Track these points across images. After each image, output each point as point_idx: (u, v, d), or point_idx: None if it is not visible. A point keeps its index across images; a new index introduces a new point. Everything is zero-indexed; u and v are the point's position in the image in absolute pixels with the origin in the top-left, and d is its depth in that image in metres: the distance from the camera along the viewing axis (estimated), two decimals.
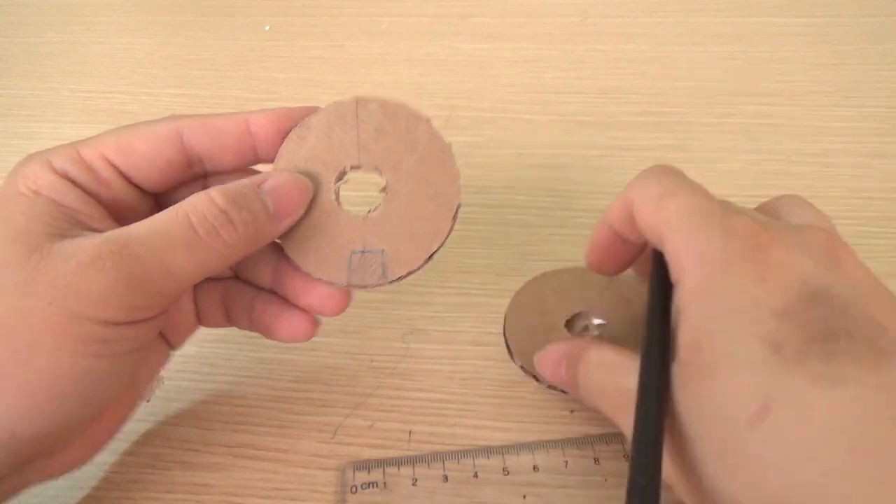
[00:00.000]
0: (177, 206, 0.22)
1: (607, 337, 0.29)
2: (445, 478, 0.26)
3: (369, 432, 0.28)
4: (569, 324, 0.30)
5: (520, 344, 0.29)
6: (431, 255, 0.24)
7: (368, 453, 0.27)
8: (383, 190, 0.24)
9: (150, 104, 0.45)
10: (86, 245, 0.21)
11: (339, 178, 0.25)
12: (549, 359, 0.26)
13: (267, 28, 0.51)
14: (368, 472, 0.26)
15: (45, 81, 0.48)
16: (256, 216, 0.23)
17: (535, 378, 0.28)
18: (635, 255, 0.27)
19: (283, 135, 0.25)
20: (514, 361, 0.29)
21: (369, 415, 0.28)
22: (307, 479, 0.26)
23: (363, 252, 0.24)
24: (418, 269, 0.24)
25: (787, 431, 0.17)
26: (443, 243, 0.24)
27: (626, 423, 0.21)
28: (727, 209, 0.22)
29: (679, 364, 0.21)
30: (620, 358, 0.23)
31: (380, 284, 0.24)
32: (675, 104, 0.42)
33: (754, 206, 0.35)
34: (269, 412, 0.28)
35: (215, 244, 0.22)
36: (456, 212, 0.24)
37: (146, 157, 0.24)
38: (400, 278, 0.24)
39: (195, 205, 0.22)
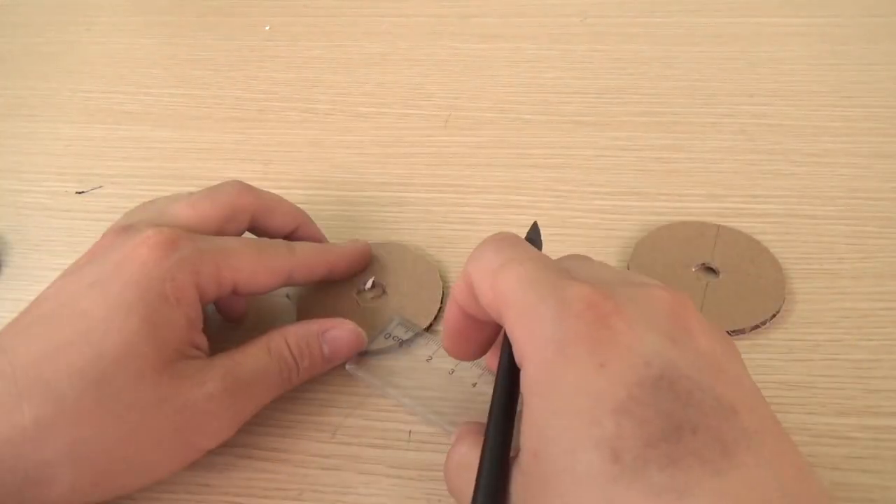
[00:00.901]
0: (266, 348, 0.26)
1: (393, 286, 0.32)
2: None
3: (369, 432, 0.28)
4: (358, 295, 0.32)
5: (306, 312, 0.31)
6: (422, 329, 0.30)
7: (368, 453, 0.27)
8: (374, 288, 0.32)
9: (150, 104, 0.45)
10: (211, 375, 0.24)
11: (360, 288, 0.32)
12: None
13: (267, 28, 0.51)
14: None
15: (45, 81, 0.48)
16: (314, 361, 0.27)
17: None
18: (493, 336, 0.25)
19: (351, 269, 0.32)
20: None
21: (369, 415, 0.28)
22: (307, 479, 0.26)
23: (389, 322, 0.30)
24: (413, 338, 0.30)
25: None
26: (430, 324, 0.30)
27: None
28: (563, 277, 0.20)
29: (521, 474, 0.19)
30: (470, 454, 0.21)
31: (405, 343, 0.29)
32: (675, 104, 0.42)
33: (753, 208, 0.36)
34: (268, 412, 0.28)
35: (286, 385, 0.27)
36: (441, 305, 0.31)
37: (260, 287, 0.27)
38: (408, 340, 0.30)
39: (281, 352, 0.26)
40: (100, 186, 0.39)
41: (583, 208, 0.36)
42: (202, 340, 0.25)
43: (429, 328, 0.30)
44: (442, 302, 0.31)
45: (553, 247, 0.34)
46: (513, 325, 0.20)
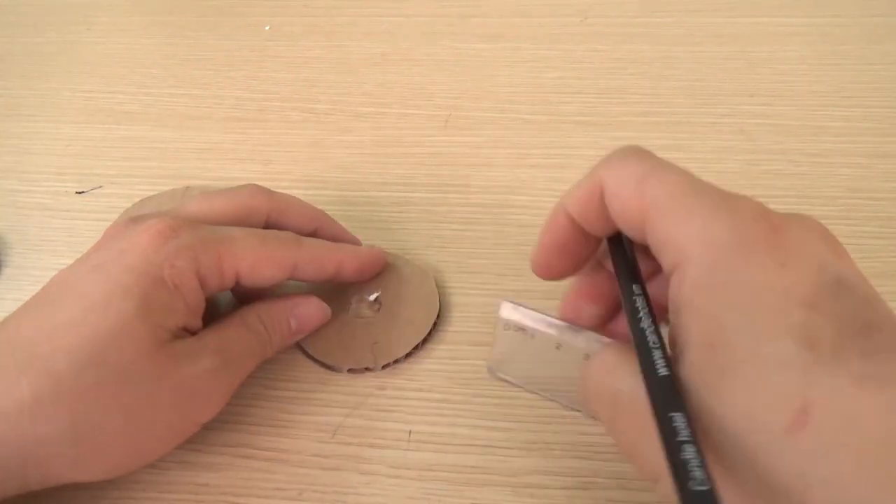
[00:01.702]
0: (243, 322, 0.27)
1: (388, 306, 0.31)
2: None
3: (369, 432, 0.28)
4: (353, 311, 0.31)
5: (316, 344, 0.30)
6: (413, 350, 0.30)
7: (368, 453, 0.27)
8: (377, 303, 0.31)
9: (149, 104, 0.45)
10: (204, 352, 0.25)
11: (363, 298, 0.32)
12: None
13: (267, 28, 0.51)
14: None
15: (45, 81, 0.48)
16: (283, 335, 0.29)
17: (331, 368, 0.30)
18: (590, 254, 0.24)
19: (362, 273, 0.31)
20: (305, 349, 0.30)
21: (369, 414, 0.28)
22: (307, 479, 0.26)
23: (374, 344, 0.30)
24: (402, 359, 0.30)
25: (833, 441, 0.15)
26: (423, 341, 0.30)
27: (620, 429, 0.20)
28: (724, 190, 0.20)
29: (690, 368, 0.18)
30: (618, 357, 0.20)
31: (371, 369, 0.29)
32: (675, 104, 0.42)
33: None
34: (268, 412, 0.28)
35: (265, 353, 0.28)
36: (432, 328, 0.31)
37: (264, 278, 0.27)
38: (387, 366, 0.30)
39: (255, 324, 0.27)
40: (100, 186, 0.39)
41: None
42: (197, 325, 0.26)
43: (407, 356, 0.30)
44: (428, 334, 0.30)
45: None
46: (670, 229, 0.19)
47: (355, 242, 0.33)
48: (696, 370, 0.17)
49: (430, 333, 0.30)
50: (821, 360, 0.16)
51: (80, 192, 0.39)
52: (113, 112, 0.45)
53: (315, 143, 0.41)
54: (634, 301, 0.21)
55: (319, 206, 0.37)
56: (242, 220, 0.28)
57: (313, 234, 0.31)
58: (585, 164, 0.38)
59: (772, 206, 0.19)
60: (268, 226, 0.29)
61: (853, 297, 0.17)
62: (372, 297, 0.31)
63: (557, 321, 0.25)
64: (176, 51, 0.50)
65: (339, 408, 0.28)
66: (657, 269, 0.21)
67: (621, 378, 0.20)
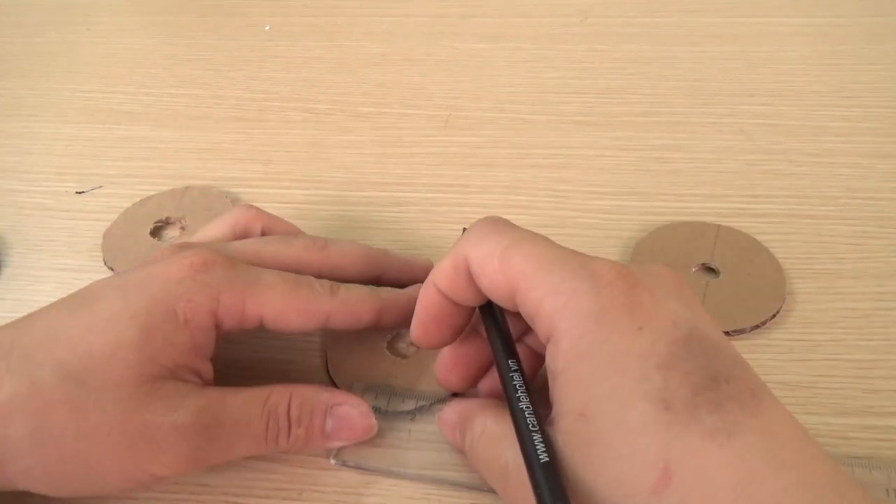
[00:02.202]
0: (263, 398, 0.24)
1: (425, 351, 0.29)
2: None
3: None
4: (390, 345, 0.29)
5: (342, 370, 0.29)
6: (430, 404, 0.28)
7: (368, 453, 0.27)
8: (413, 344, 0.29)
9: (149, 104, 0.45)
10: (187, 404, 0.23)
11: (394, 337, 0.30)
12: (446, 422, 0.25)
13: (267, 28, 0.51)
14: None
15: (45, 81, 0.48)
16: (311, 433, 0.25)
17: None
18: (465, 322, 0.25)
19: (404, 319, 0.28)
20: (329, 368, 0.29)
21: None
22: (307, 479, 0.26)
23: (385, 386, 0.28)
24: (441, 402, 0.28)
25: (692, 496, 0.17)
26: (444, 400, 0.28)
27: (511, 496, 0.21)
28: (577, 253, 0.21)
29: (563, 435, 0.19)
30: (501, 427, 0.22)
31: (381, 411, 0.27)
32: (675, 104, 0.42)
33: (753, 208, 0.36)
34: None
35: (271, 446, 0.24)
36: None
37: (292, 327, 0.26)
38: (398, 413, 0.27)
39: (277, 408, 0.24)
40: (100, 186, 0.39)
41: (583, 208, 0.36)
42: (205, 368, 0.25)
43: (419, 408, 0.27)
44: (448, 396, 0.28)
45: None
46: (539, 301, 0.20)
47: (426, 269, 0.31)
48: (569, 438, 0.19)
49: (442, 401, 0.28)
50: (677, 420, 0.17)
51: (80, 192, 0.39)
52: (113, 112, 0.45)
53: (315, 143, 0.41)
54: (512, 378, 0.22)
55: (319, 207, 0.37)
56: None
57: (376, 281, 0.29)
58: (585, 163, 0.39)
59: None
60: (320, 275, 0.28)
61: (703, 351, 0.18)
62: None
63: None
64: (176, 51, 0.50)
65: None
66: (529, 329, 0.24)
67: (507, 449, 0.21)
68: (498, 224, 0.23)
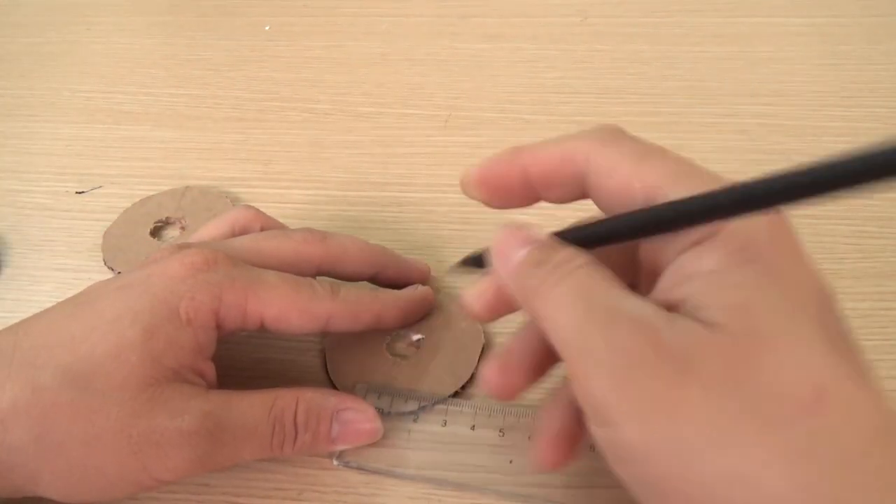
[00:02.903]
0: (269, 404, 0.24)
1: (428, 349, 0.29)
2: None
3: None
4: (389, 346, 0.30)
5: (342, 372, 0.29)
6: (430, 405, 0.28)
7: (370, 453, 0.27)
8: (417, 343, 0.30)
9: (149, 104, 0.45)
10: (192, 409, 0.23)
11: (393, 338, 0.30)
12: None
13: (267, 28, 0.51)
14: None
15: (45, 81, 0.48)
16: (317, 438, 0.25)
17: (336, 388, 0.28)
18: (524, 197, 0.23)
19: (405, 321, 0.29)
20: (328, 370, 0.29)
21: None
22: (307, 479, 0.26)
23: (385, 387, 0.28)
24: (442, 403, 0.28)
25: (840, 426, 0.16)
26: (460, 389, 0.28)
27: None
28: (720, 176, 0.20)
29: (713, 329, 0.17)
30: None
31: (382, 412, 0.27)
32: (675, 104, 0.42)
33: None
34: None
35: (276, 452, 0.24)
36: (471, 377, 0.28)
37: (293, 328, 0.26)
38: (399, 414, 0.27)
39: (283, 414, 0.24)
40: (100, 186, 0.39)
41: (583, 208, 0.36)
42: (208, 369, 0.25)
43: (421, 409, 0.28)
44: (469, 381, 0.28)
45: None
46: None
47: (423, 273, 0.31)
48: (728, 331, 0.17)
49: (441, 402, 0.28)
50: (835, 351, 0.17)
51: (80, 192, 0.39)
52: (113, 112, 0.45)
53: (315, 143, 0.41)
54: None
55: (319, 207, 0.37)
56: (291, 267, 0.27)
57: (373, 278, 0.30)
58: None
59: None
60: (319, 273, 0.28)
61: (839, 307, 0.19)
62: (414, 338, 0.30)
63: None
64: (176, 51, 0.50)
65: None
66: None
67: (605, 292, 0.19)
68: (625, 132, 0.21)
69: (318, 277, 0.28)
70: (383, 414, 0.27)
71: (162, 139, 0.42)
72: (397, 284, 0.30)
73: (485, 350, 0.30)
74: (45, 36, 0.52)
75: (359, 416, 0.26)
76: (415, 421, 0.27)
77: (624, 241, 0.20)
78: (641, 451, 0.17)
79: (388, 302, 0.28)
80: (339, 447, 0.26)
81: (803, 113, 0.41)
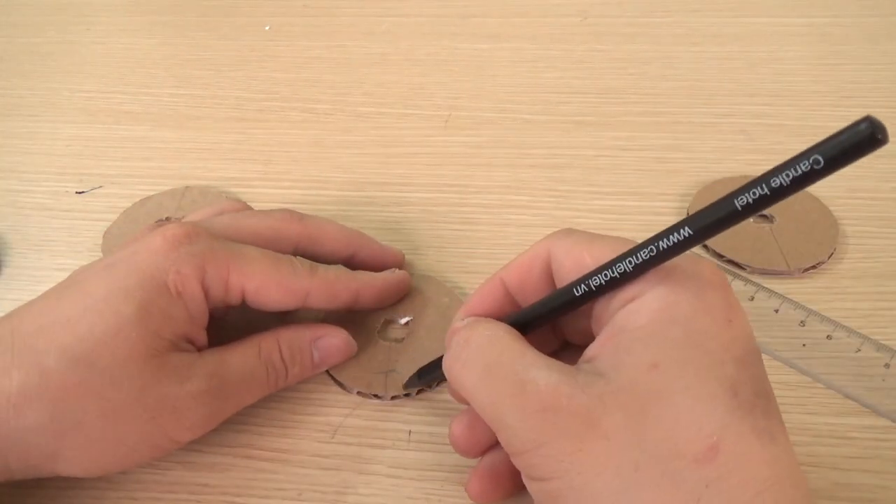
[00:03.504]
0: (256, 349, 0.26)
1: (418, 330, 0.30)
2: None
3: (369, 432, 0.28)
4: (380, 333, 0.30)
5: (341, 364, 0.29)
6: (440, 380, 0.29)
7: (368, 453, 0.27)
8: (407, 325, 0.30)
9: (149, 104, 0.45)
10: (197, 372, 0.24)
11: (383, 326, 0.31)
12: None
13: (267, 28, 0.51)
14: None
15: (45, 81, 0.48)
16: (304, 367, 0.28)
17: (343, 387, 0.29)
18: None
19: (380, 302, 0.30)
20: (329, 373, 0.29)
21: (369, 415, 0.28)
22: (307, 479, 0.26)
23: (389, 372, 0.29)
24: (427, 388, 0.29)
25: (729, 477, 0.17)
26: (438, 382, 0.29)
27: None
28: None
29: (624, 383, 0.19)
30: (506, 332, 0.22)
31: (397, 396, 0.28)
32: (675, 104, 0.42)
33: None
34: (269, 412, 0.28)
35: (273, 388, 0.27)
36: None
37: (272, 302, 0.26)
38: (396, 397, 0.28)
39: (271, 355, 0.26)
40: (100, 186, 0.39)
41: (583, 208, 0.36)
42: (201, 338, 0.25)
43: (418, 392, 0.29)
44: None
45: None
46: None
47: (398, 259, 0.32)
48: (631, 386, 0.19)
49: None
50: (740, 408, 0.18)
51: (80, 192, 0.39)
52: (113, 112, 0.45)
53: (315, 143, 0.41)
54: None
55: (319, 207, 0.37)
56: (269, 244, 0.27)
57: (349, 260, 0.30)
58: (585, 164, 0.39)
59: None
60: (297, 252, 0.28)
61: (761, 366, 0.20)
62: (402, 321, 0.31)
63: None
64: (176, 51, 0.50)
65: (339, 408, 0.28)
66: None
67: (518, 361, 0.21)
68: (576, 229, 0.24)
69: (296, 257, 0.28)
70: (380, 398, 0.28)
71: (162, 139, 0.42)
72: (373, 267, 0.31)
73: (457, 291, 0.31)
74: (45, 36, 0.52)
75: (333, 339, 0.28)
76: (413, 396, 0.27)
77: (556, 314, 0.22)
78: (563, 500, 0.19)
79: (366, 282, 0.29)
80: (323, 369, 0.28)
81: (803, 113, 0.41)
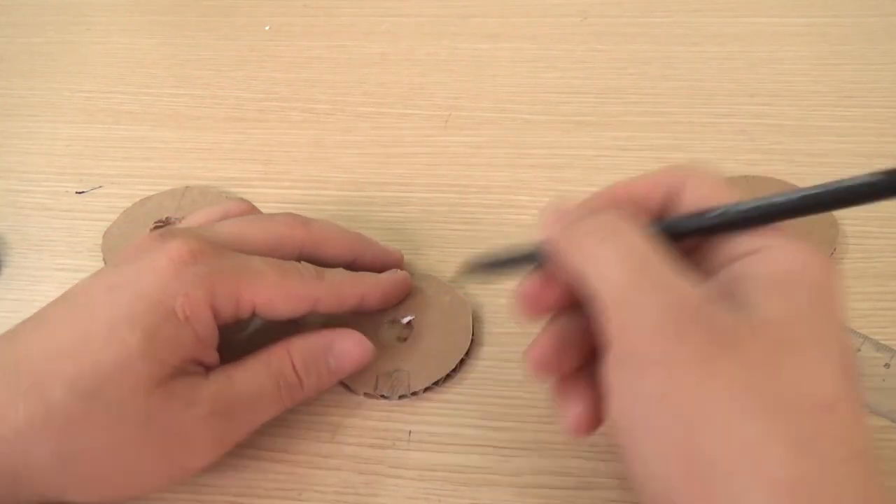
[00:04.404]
0: (265, 365, 0.25)
1: (422, 328, 0.30)
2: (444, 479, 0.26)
3: (369, 432, 0.28)
4: (385, 332, 0.30)
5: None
6: (446, 375, 0.29)
7: (368, 453, 0.27)
8: (409, 324, 0.30)
9: (149, 104, 0.45)
10: (202, 395, 0.24)
11: (387, 326, 0.31)
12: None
13: (267, 28, 0.51)
14: None
15: (45, 81, 0.48)
16: (320, 378, 0.26)
17: (348, 388, 0.29)
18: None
19: (385, 302, 0.30)
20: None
21: (369, 414, 0.28)
22: (307, 479, 0.26)
23: (394, 372, 0.29)
24: (435, 385, 0.29)
25: (838, 432, 0.18)
26: (455, 369, 0.29)
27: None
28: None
29: (761, 321, 0.19)
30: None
31: (405, 396, 0.28)
32: (675, 104, 0.42)
33: None
34: None
35: (289, 402, 0.26)
36: (466, 353, 0.30)
37: (282, 312, 0.26)
38: (403, 396, 0.28)
39: (282, 369, 0.25)
40: (100, 186, 0.39)
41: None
42: (212, 358, 0.25)
43: (447, 378, 0.29)
44: (470, 347, 0.30)
45: None
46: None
47: (398, 260, 0.32)
48: (769, 326, 0.18)
49: (453, 370, 0.29)
50: (852, 377, 0.18)
51: (80, 192, 0.39)
52: (113, 112, 0.45)
53: (315, 143, 0.41)
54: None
55: (319, 207, 0.37)
56: (274, 251, 0.27)
57: (352, 264, 0.30)
58: (585, 164, 0.39)
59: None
60: (301, 257, 0.28)
61: (854, 355, 0.20)
62: (405, 321, 0.31)
63: None
64: (176, 51, 0.50)
65: (339, 408, 0.28)
66: None
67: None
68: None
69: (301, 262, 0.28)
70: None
71: (162, 139, 0.42)
72: (375, 270, 0.31)
73: (475, 316, 0.31)
74: (45, 36, 0.52)
75: (348, 344, 0.27)
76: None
77: (685, 236, 0.21)
78: (658, 396, 0.18)
79: (371, 284, 0.29)
80: (341, 377, 0.27)
81: (803, 113, 0.41)
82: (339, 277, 0.28)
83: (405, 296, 0.31)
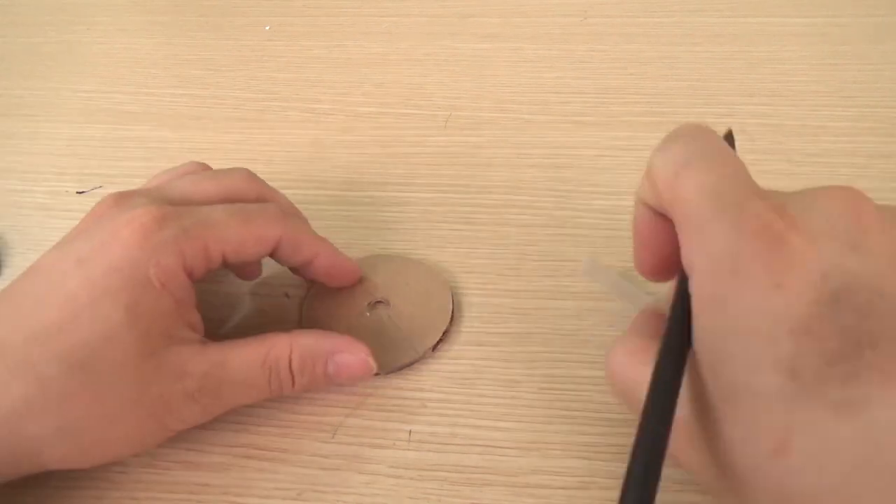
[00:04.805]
0: (262, 355, 0.25)
1: (400, 312, 0.31)
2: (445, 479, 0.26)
3: (369, 432, 0.28)
4: (369, 310, 0.31)
5: (312, 318, 0.30)
6: (420, 357, 0.30)
7: (368, 453, 0.27)
8: (386, 302, 0.31)
9: (149, 104, 0.45)
10: (193, 370, 0.24)
11: (371, 303, 0.31)
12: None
13: (267, 28, 0.51)
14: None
15: (45, 81, 0.48)
16: (314, 380, 0.27)
17: None
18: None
19: (330, 269, 0.30)
20: None
21: (369, 414, 0.28)
22: (307, 479, 0.26)
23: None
24: (408, 365, 0.29)
25: (810, 465, 0.16)
26: (447, 331, 0.30)
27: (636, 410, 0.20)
28: (743, 190, 0.19)
29: (701, 384, 0.19)
30: (650, 346, 0.20)
31: (378, 374, 0.28)
32: (675, 104, 0.42)
33: None
34: (269, 412, 0.28)
35: (276, 394, 0.26)
36: (441, 337, 0.30)
37: (250, 256, 0.27)
38: (391, 371, 0.29)
39: (278, 363, 0.26)
40: (100, 186, 0.39)
41: (583, 208, 0.36)
42: (196, 318, 0.26)
43: (435, 347, 0.30)
44: (452, 316, 0.31)
45: (554, 247, 0.34)
46: (685, 235, 0.19)
47: (355, 275, 0.32)
48: (702, 382, 0.19)
49: (438, 342, 0.30)
50: (802, 392, 0.16)
51: (80, 192, 0.39)
52: (113, 112, 0.45)
53: (315, 143, 0.41)
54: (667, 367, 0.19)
55: (319, 207, 0.37)
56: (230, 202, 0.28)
57: (308, 263, 0.30)
58: (585, 164, 0.39)
59: None
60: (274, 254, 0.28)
61: (851, 309, 0.17)
62: (384, 300, 0.31)
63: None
64: (176, 51, 0.50)
65: (339, 408, 0.28)
66: None
67: (639, 366, 0.20)
68: (690, 133, 0.21)
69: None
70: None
71: (162, 139, 0.42)
72: (329, 276, 0.30)
73: (453, 291, 0.32)
74: (45, 36, 0.52)
75: (352, 357, 0.27)
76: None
77: None
78: (732, 297, 0.18)
79: (327, 247, 0.29)
80: (335, 385, 0.28)
81: (803, 113, 0.41)
82: (300, 224, 0.29)
83: (347, 284, 0.31)
